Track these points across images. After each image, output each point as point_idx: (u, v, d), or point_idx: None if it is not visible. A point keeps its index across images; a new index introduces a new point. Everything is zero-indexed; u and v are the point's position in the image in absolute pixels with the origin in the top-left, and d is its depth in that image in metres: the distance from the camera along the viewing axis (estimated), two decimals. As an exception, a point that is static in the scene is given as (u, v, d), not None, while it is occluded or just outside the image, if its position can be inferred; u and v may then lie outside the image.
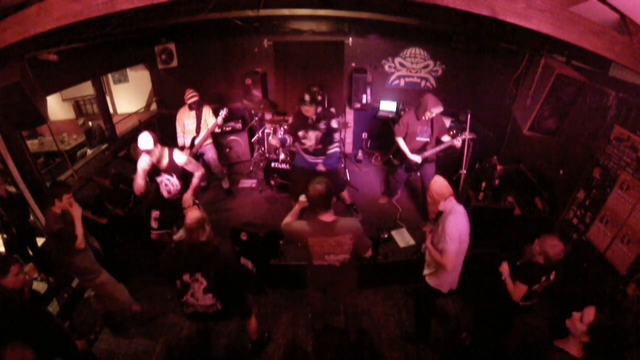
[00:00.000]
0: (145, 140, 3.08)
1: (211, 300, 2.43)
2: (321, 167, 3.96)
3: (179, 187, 3.44)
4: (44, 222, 3.51)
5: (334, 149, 3.95)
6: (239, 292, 2.69)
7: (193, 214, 2.40)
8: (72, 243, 2.76)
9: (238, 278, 2.65)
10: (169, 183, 3.39)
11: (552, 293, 3.46)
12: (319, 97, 5.22)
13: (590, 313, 1.80)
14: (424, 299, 2.98)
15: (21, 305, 2.34)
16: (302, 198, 2.45)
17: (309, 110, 3.74)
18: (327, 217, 2.37)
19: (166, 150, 3.31)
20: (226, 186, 5.15)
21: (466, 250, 2.67)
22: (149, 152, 3.14)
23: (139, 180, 3.22)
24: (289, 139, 4.22)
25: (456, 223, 2.50)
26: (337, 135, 3.96)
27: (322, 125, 3.85)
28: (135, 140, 3.19)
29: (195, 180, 3.44)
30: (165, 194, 3.46)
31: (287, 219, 2.53)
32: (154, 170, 3.32)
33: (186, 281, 2.37)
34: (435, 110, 3.85)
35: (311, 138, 3.91)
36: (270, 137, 5.18)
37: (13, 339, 2.03)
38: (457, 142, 3.96)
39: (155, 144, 3.11)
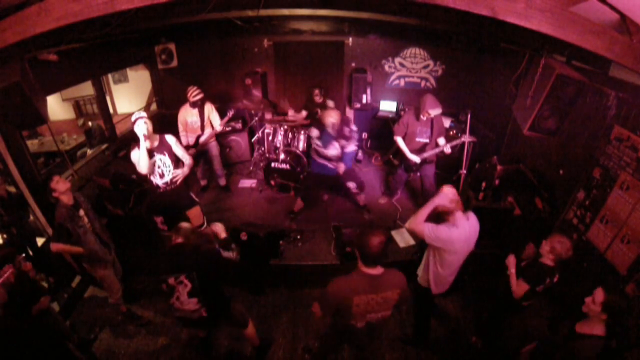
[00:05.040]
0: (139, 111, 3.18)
1: (195, 305, 2.42)
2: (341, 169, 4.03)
3: (172, 168, 3.41)
4: (43, 222, 3.53)
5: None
6: (225, 299, 2.65)
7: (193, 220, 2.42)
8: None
9: (222, 277, 2.63)
10: (161, 164, 3.36)
11: (552, 293, 3.46)
12: (319, 99, 5.25)
13: (599, 294, 1.94)
14: (419, 299, 2.96)
15: None
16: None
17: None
18: (376, 270, 1.99)
19: (157, 135, 3.35)
20: (223, 183, 5.14)
21: (460, 260, 2.55)
22: (143, 117, 3.16)
23: (144, 155, 3.14)
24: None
25: (452, 236, 2.33)
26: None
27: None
28: (135, 141, 3.18)
29: (185, 169, 3.49)
30: (158, 180, 3.40)
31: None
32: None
33: (171, 284, 2.36)
34: (433, 112, 3.84)
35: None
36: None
37: None
38: (447, 149, 3.98)
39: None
